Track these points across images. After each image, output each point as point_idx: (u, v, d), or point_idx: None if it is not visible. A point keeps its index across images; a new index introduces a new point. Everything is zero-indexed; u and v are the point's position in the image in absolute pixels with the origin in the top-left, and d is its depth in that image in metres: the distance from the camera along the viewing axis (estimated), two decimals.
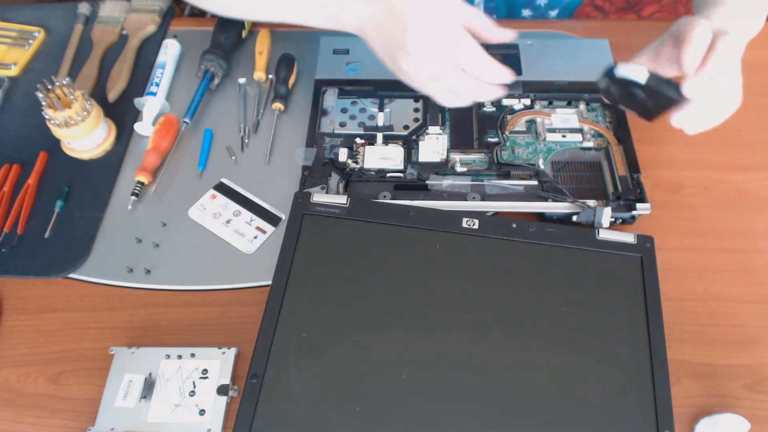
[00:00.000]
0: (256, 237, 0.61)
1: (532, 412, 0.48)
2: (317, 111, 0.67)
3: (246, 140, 0.68)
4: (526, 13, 0.82)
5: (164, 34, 0.78)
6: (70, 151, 0.66)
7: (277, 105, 0.69)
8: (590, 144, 0.64)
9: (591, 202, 0.59)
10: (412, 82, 0.55)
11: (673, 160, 0.65)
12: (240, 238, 0.61)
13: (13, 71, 0.74)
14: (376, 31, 0.54)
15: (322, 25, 0.58)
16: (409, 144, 0.64)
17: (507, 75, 0.53)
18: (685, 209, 0.62)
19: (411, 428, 0.47)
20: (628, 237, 0.56)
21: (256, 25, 0.77)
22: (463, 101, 0.55)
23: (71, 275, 0.59)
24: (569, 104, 0.67)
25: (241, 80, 0.73)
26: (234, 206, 0.63)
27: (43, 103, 0.61)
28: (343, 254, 0.55)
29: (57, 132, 0.63)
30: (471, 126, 0.66)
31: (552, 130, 0.65)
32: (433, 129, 0.65)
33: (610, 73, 0.53)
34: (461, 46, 0.51)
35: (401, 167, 0.62)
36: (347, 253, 0.55)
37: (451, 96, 0.54)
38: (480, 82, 0.53)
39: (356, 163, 0.63)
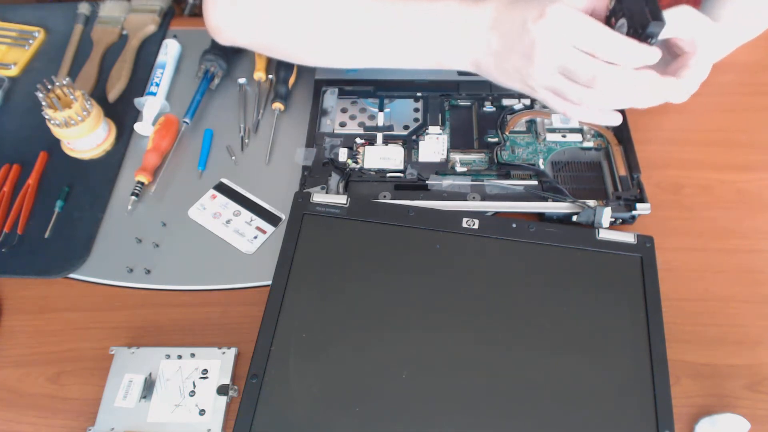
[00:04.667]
0: (256, 237, 0.61)
1: (532, 412, 0.48)
2: (317, 111, 0.67)
3: (246, 140, 0.68)
4: None
5: (164, 34, 0.78)
6: (70, 151, 0.66)
7: (277, 105, 0.69)
8: (590, 144, 0.64)
9: (591, 202, 0.59)
10: (546, 85, 0.49)
11: (673, 160, 0.65)
12: (240, 238, 0.61)
13: (13, 71, 0.74)
14: (493, 57, 0.52)
15: (428, 67, 0.57)
16: (409, 144, 0.64)
17: (651, 52, 0.46)
18: (685, 209, 0.62)
19: (411, 428, 0.47)
20: (628, 237, 0.56)
21: None
22: (600, 101, 0.48)
23: (71, 275, 0.59)
24: None
25: (241, 80, 0.73)
26: (234, 206, 0.63)
27: (43, 103, 0.61)
28: (343, 254, 0.55)
29: (57, 132, 0.63)
30: (471, 126, 0.66)
31: (552, 130, 0.65)
32: (433, 129, 0.65)
33: None
34: (590, 26, 0.46)
35: (401, 167, 0.62)
36: (347, 253, 0.55)
37: (590, 94, 0.48)
38: (616, 73, 0.46)
39: (356, 163, 0.63)
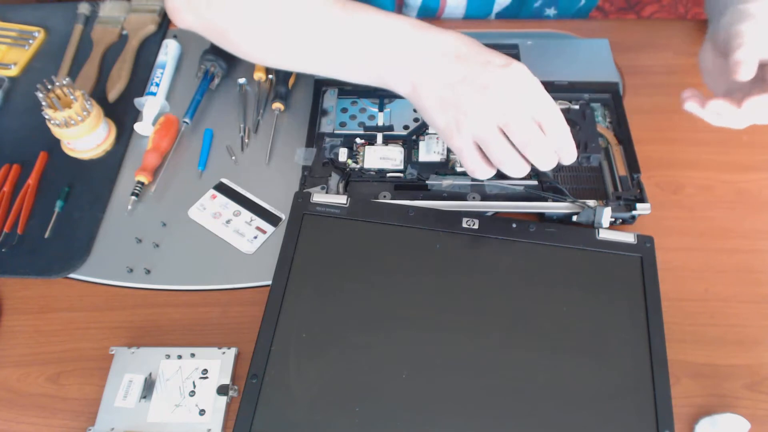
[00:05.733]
0: (256, 237, 0.61)
1: (531, 412, 0.48)
2: (317, 111, 0.67)
3: (246, 140, 0.68)
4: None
5: (164, 34, 0.78)
6: (70, 151, 0.66)
7: (277, 105, 0.69)
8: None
9: (591, 202, 0.59)
10: (477, 130, 0.49)
11: (673, 160, 0.65)
12: (240, 238, 0.61)
13: (13, 71, 0.74)
14: (439, 83, 0.51)
15: (368, 81, 0.56)
16: (409, 144, 0.64)
17: (574, 152, 0.51)
18: (685, 209, 0.62)
19: (411, 428, 0.47)
20: (628, 237, 0.56)
21: None
22: (517, 166, 0.50)
23: (71, 275, 0.59)
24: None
25: (241, 80, 0.73)
26: (234, 206, 0.63)
27: (43, 103, 0.61)
28: (343, 254, 0.55)
29: (57, 132, 0.63)
30: None
31: None
32: (433, 129, 0.65)
33: None
34: (547, 97, 0.49)
35: (401, 167, 0.62)
36: (347, 253, 0.55)
37: (515, 159, 0.50)
38: (548, 145, 0.49)
39: (356, 163, 0.63)
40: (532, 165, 0.50)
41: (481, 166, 0.51)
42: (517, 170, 0.50)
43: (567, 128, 0.50)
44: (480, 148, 0.51)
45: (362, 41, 0.53)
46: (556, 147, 0.50)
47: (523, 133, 0.48)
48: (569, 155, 0.51)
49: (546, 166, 0.50)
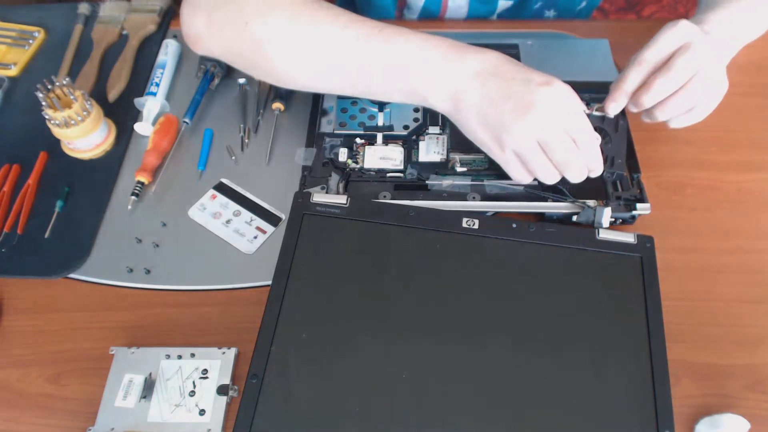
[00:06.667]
0: (256, 237, 0.61)
1: (531, 412, 0.48)
2: (317, 111, 0.67)
3: (246, 140, 0.68)
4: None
5: (164, 34, 0.78)
6: (70, 151, 0.66)
7: (277, 105, 0.69)
8: None
9: (591, 202, 0.59)
10: (518, 147, 0.52)
11: (673, 160, 0.65)
12: (240, 238, 0.61)
13: (13, 71, 0.74)
14: (481, 100, 0.52)
15: (406, 100, 0.57)
16: (409, 144, 0.64)
17: (601, 167, 0.55)
18: (686, 209, 0.62)
19: (411, 428, 0.47)
20: (628, 237, 0.56)
21: None
22: (551, 176, 0.54)
23: (71, 275, 0.59)
24: None
25: (241, 80, 0.73)
26: (234, 206, 0.63)
27: (43, 103, 0.61)
28: (343, 254, 0.55)
29: (57, 132, 0.63)
30: None
31: None
32: (433, 129, 0.65)
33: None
34: (583, 117, 0.52)
35: (401, 167, 0.62)
36: (347, 253, 0.55)
37: (551, 171, 0.54)
38: (582, 161, 0.53)
39: (356, 163, 0.63)
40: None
41: (524, 174, 0.55)
42: (551, 180, 0.55)
43: (597, 146, 0.54)
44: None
45: (404, 66, 0.54)
46: (586, 162, 0.54)
47: (560, 151, 0.52)
48: (596, 170, 0.55)
49: (577, 179, 0.55)
